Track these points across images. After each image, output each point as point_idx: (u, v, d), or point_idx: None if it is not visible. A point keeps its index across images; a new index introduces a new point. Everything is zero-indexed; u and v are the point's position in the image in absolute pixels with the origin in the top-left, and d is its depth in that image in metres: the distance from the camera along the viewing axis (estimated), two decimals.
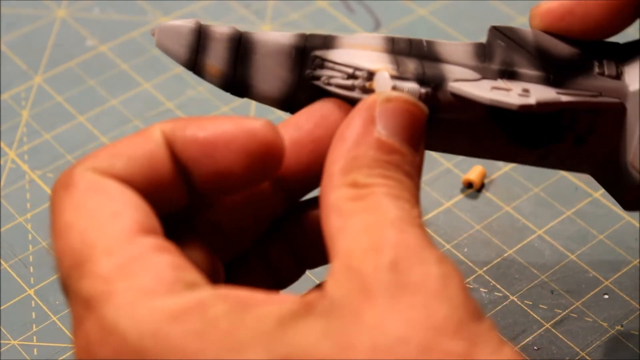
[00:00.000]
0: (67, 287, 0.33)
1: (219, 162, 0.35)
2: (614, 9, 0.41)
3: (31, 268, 0.52)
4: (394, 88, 0.37)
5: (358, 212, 0.34)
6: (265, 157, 0.35)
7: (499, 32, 0.41)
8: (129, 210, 0.33)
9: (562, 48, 0.42)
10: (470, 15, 0.63)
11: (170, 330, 0.31)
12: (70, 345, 0.49)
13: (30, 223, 0.54)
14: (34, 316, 0.50)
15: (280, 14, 0.64)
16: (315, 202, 0.39)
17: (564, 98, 0.40)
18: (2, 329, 0.49)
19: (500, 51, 0.41)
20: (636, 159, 0.41)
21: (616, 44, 0.43)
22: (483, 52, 0.41)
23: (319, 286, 0.38)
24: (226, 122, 0.35)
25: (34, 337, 0.49)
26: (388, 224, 0.33)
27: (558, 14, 0.41)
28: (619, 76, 0.41)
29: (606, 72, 0.41)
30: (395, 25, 0.63)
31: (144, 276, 0.32)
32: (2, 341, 0.49)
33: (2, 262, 0.52)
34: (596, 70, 0.41)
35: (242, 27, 0.39)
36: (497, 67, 0.40)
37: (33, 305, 0.50)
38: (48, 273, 0.51)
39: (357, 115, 0.36)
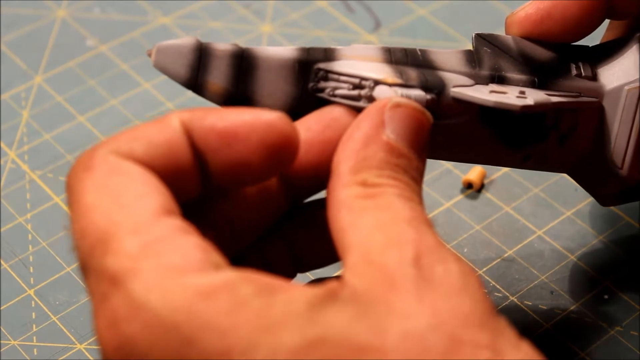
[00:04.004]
0: (88, 266, 0.33)
1: (237, 152, 0.35)
2: (588, 9, 0.43)
3: (31, 268, 0.52)
4: (402, 96, 0.38)
5: (369, 209, 0.35)
6: (282, 149, 0.36)
7: (483, 39, 0.43)
8: (152, 192, 0.34)
9: (541, 52, 0.44)
10: (470, 15, 0.63)
11: (202, 307, 0.31)
12: (70, 345, 0.49)
13: (30, 223, 0.54)
14: (34, 316, 0.50)
15: (280, 14, 0.64)
16: (316, 205, 0.40)
17: (553, 99, 0.42)
18: (2, 329, 0.49)
19: (488, 57, 0.42)
20: (616, 155, 0.44)
21: (586, 47, 0.45)
22: (472, 59, 0.42)
23: (315, 281, 0.39)
24: (244, 113, 0.35)
25: (34, 337, 0.49)
26: (404, 222, 0.34)
27: (537, 19, 0.43)
28: (594, 77, 0.44)
29: (583, 74, 0.44)
30: (395, 25, 0.63)
31: (172, 255, 0.32)
32: (2, 341, 0.49)
33: (2, 262, 0.52)
34: (574, 72, 0.44)
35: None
36: (487, 73, 0.42)
37: (33, 305, 0.50)
38: (48, 273, 0.51)
39: (367, 118, 0.37)
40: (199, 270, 0.32)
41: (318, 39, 0.62)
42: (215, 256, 0.33)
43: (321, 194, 0.42)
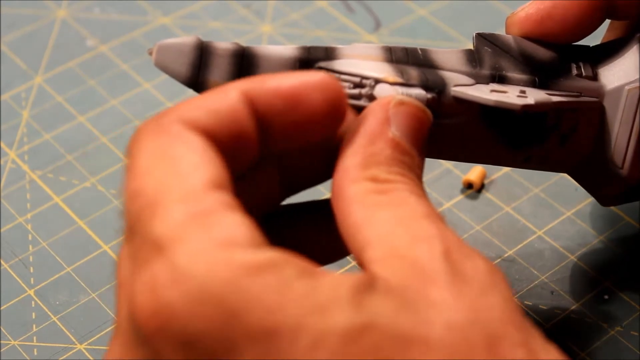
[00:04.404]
0: (134, 229, 0.33)
1: (304, 112, 0.36)
2: (588, 9, 0.43)
3: (31, 268, 0.52)
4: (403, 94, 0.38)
5: (384, 205, 0.35)
6: (339, 105, 0.36)
7: (484, 39, 0.43)
8: (209, 164, 0.33)
9: (542, 52, 0.44)
10: (470, 15, 0.63)
11: (249, 283, 0.31)
12: (70, 345, 0.49)
13: (30, 223, 0.54)
14: (34, 316, 0.50)
15: (280, 14, 0.64)
16: (312, 205, 0.40)
17: (554, 98, 0.42)
18: (2, 329, 0.49)
19: (488, 57, 0.42)
20: (616, 155, 0.44)
21: (587, 47, 0.45)
22: (473, 58, 0.42)
23: None
24: (299, 75, 0.36)
25: (34, 337, 0.49)
26: (423, 218, 0.34)
27: (537, 19, 0.43)
28: (595, 77, 0.44)
29: (584, 74, 0.44)
30: (395, 25, 0.63)
31: (218, 229, 0.32)
32: (2, 341, 0.49)
33: (2, 262, 0.52)
34: (574, 72, 0.44)
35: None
36: (487, 72, 0.42)
37: (33, 305, 0.50)
38: (48, 273, 0.51)
39: (372, 115, 0.37)
40: (243, 247, 0.32)
41: (318, 39, 0.62)
42: (258, 235, 0.32)
43: (314, 195, 0.42)
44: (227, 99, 0.35)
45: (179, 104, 0.35)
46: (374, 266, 0.33)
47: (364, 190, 0.35)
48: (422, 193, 0.36)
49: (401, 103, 0.37)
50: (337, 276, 0.32)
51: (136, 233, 0.33)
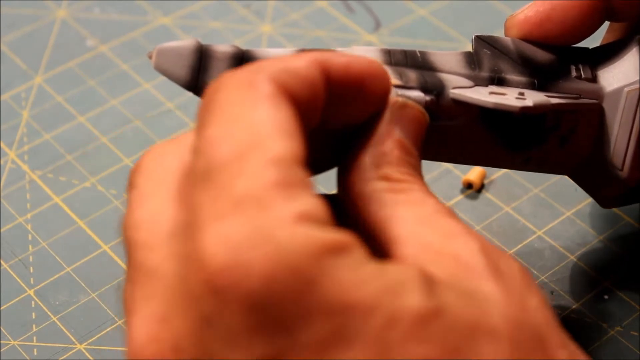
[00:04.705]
0: (212, 175, 0.32)
1: (363, 94, 0.36)
2: (588, 11, 0.43)
3: (31, 268, 0.52)
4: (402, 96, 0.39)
5: (403, 203, 0.35)
6: (386, 97, 0.37)
7: (483, 41, 0.43)
8: (295, 136, 0.33)
9: (541, 54, 0.44)
10: (470, 15, 0.63)
11: (327, 259, 0.31)
12: (70, 345, 0.49)
13: (30, 223, 0.54)
14: (34, 316, 0.50)
15: (280, 14, 0.64)
16: None
17: (553, 100, 0.42)
18: (2, 329, 0.49)
19: (487, 59, 0.43)
20: (616, 157, 0.44)
21: (586, 49, 0.45)
22: (472, 60, 0.42)
23: None
24: (366, 60, 0.37)
25: (34, 337, 0.49)
26: (447, 216, 0.35)
27: (536, 22, 0.44)
28: (594, 79, 0.44)
29: (583, 76, 0.44)
30: (395, 25, 0.63)
31: (300, 203, 0.31)
32: (2, 341, 0.49)
33: (2, 262, 0.52)
34: (574, 74, 0.44)
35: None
36: (486, 74, 0.42)
37: (33, 305, 0.50)
38: (48, 273, 0.51)
39: (378, 116, 0.37)
40: (319, 225, 0.31)
41: (318, 39, 0.62)
42: (329, 216, 0.32)
43: None
44: (307, 65, 0.35)
45: (268, 60, 0.35)
46: (413, 262, 0.33)
47: (380, 189, 0.35)
48: (432, 193, 0.36)
49: (405, 105, 0.38)
50: (398, 264, 0.32)
51: (216, 181, 0.32)
